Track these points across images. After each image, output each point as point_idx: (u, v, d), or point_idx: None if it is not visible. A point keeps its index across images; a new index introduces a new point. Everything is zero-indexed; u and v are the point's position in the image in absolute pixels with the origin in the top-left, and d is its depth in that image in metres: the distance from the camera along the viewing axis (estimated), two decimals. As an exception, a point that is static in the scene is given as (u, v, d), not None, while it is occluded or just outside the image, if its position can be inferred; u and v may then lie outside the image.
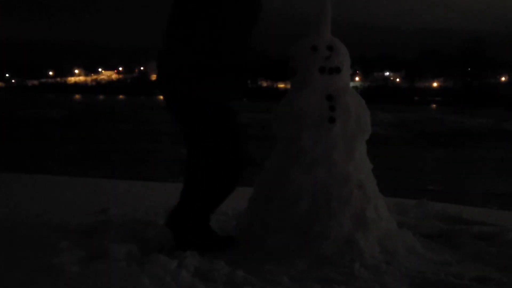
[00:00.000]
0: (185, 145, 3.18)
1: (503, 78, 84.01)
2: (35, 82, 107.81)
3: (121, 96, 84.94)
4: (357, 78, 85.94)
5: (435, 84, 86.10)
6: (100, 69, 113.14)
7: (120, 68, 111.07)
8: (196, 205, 3.13)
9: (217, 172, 3.06)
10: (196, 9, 2.97)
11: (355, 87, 55.26)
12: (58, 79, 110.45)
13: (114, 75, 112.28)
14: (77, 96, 79.76)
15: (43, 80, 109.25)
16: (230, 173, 3.08)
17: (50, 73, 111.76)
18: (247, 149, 3.15)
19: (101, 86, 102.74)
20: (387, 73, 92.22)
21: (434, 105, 68.20)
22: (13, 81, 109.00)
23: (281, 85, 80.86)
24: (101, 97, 79.87)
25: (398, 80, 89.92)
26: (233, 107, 3.15)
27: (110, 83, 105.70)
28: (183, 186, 3.17)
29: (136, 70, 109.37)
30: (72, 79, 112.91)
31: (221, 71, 3.02)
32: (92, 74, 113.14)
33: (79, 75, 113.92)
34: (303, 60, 3.21)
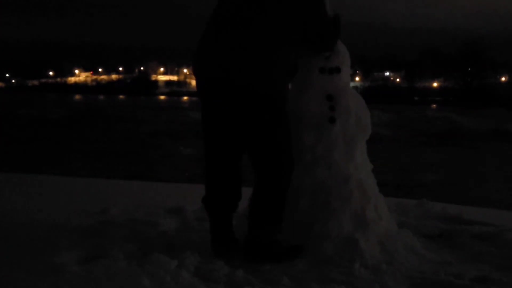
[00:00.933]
0: (222, 142, 3.00)
1: (503, 78, 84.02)
2: (35, 82, 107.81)
3: (121, 96, 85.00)
4: (357, 78, 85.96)
5: (435, 84, 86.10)
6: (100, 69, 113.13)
7: (121, 69, 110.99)
8: (277, 206, 2.97)
9: (290, 168, 2.98)
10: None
11: (355, 87, 55.26)
12: (58, 79, 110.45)
13: (90, 76, 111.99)
14: (77, 96, 79.82)
15: (43, 80, 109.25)
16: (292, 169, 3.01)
17: (50, 73, 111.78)
18: None
19: (101, 86, 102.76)
20: (387, 73, 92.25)
21: (434, 105, 68.20)
22: (13, 81, 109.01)
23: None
24: (101, 97, 79.89)
25: (398, 80, 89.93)
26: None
27: (110, 83, 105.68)
28: (258, 189, 2.99)
29: (136, 70, 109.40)
30: (72, 79, 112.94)
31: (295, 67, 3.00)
32: (91, 75, 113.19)
33: (79, 75, 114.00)
34: (303, 60, 3.21)
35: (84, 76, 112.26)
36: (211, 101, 2.97)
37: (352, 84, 3.57)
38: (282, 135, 2.94)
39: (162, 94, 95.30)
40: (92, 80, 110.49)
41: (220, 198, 3.08)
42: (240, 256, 2.98)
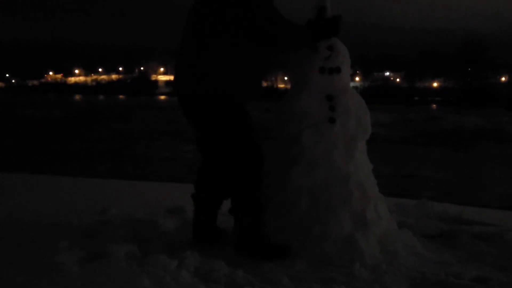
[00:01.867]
0: (199, 146, 3.23)
1: (503, 78, 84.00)
2: (35, 82, 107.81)
3: (121, 96, 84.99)
4: (357, 78, 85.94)
5: (435, 84, 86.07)
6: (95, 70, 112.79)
7: (120, 69, 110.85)
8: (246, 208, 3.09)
9: (239, 170, 3.05)
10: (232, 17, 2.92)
11: (355, 87, 55.22)
12: (58, 79, 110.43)
13: (60, 77, 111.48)
14: (77, 96, 79.82)
15: (43, 80, 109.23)
16: (253, 175, 3.07)
17: (50, 73, 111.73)
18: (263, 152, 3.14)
19: (101, 86, 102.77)
20: (387, 73, 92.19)
21: (434, 105, 68.22)
22: (13, 81, 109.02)
23: (281, 85, 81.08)
24: (101, 97, 79.87)
25: (398, 80, 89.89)
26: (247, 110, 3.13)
27: (110, 83, 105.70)
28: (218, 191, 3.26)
29: (136, 70, 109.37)
30: (72, 79, 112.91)
31: (247, 69, 3.01)
32: (92, 74, 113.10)
33: (79, 75, 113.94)
34: (303, 60, 3.21)
35: (53, 76, 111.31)
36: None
37: (352, 84, 3.57)
38: (233, 136, 3.02)
39: (162, 94, 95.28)
40: (92, 80, 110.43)
41: (205, 195, 3.31)
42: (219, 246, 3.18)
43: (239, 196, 3.08)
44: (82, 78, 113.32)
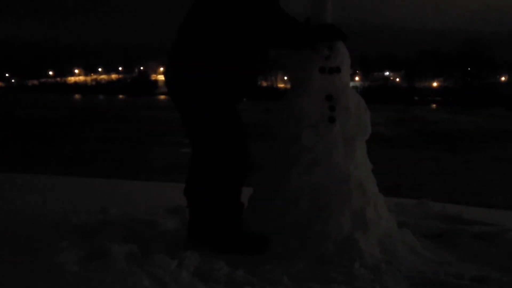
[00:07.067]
0: (190, 145, 3.21)
1: (503, 78, 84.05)
2: (35, 82, 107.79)
3: (121, 96, 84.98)
4: (357, 78, 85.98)
5: (435, 84, 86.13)
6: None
7: (120, 69, 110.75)
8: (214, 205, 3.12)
9: (223, 171, 3.06)
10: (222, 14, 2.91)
11: (355, 87, 55.28)
12: (58, 79, 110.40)
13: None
14: (77, 96, 79.81)
15: (43, 80, 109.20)
16: (235, 172, 3.08)
17: (50, 73, 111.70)
18: (250, 151, 3.15)
19: (101, 86, 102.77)
20: (387, 73, 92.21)
21: (434, 105, 68.25)
22: (13, 81, 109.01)
23: (281, 85, 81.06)
24: (101, 97, 79.83)
25: (398, 80, 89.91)
26: (237, 107, 3.14)
27: (110, 83, 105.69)
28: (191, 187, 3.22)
29: (136, 70, 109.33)
30: (72, 79, 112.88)
31: (234, 71, 2.99)
32: (92, 74, 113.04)
33: (79, 75, 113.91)
34: (303, 60, 3.21)
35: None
36: None
37: (352, 84, 3.57)
38: (220, 134, 3.03)
39: (162, 94, 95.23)
40: (92, 80, 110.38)
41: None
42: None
43: (217, 190, 3.08)
44: (82, 78, 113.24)
